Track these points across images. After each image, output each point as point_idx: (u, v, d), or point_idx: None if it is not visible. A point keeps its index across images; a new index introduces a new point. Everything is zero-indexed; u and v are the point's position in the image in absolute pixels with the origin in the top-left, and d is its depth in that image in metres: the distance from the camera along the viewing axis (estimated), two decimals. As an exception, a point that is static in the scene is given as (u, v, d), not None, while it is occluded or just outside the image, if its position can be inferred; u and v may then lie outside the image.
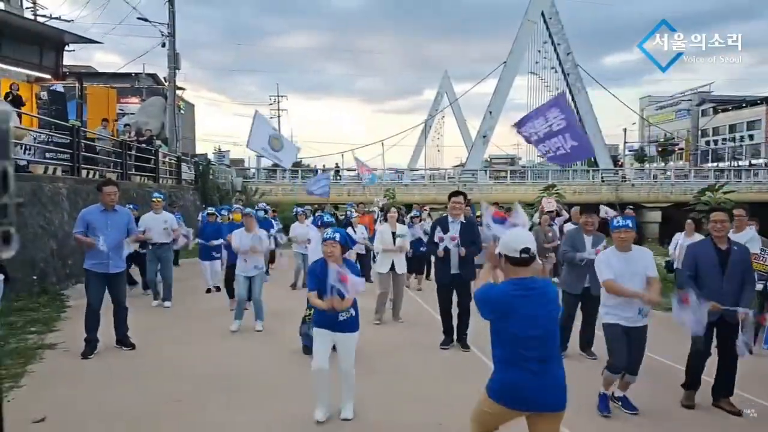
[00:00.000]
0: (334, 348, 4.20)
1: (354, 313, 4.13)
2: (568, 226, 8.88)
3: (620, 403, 4.42)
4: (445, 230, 6.23)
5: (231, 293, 8.01)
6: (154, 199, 8.62)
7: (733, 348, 4.30)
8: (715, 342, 4.43)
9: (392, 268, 7.54)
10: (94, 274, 5.75)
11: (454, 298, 6.36)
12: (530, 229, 10.63)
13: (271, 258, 11.19)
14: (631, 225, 4.30)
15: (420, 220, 10.74)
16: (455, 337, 6.38)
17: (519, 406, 2.71)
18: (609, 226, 4.48)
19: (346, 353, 4.18)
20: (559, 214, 11.04)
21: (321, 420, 4.06)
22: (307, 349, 5.63)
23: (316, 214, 10.31)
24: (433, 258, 9.39)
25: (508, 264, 2.81)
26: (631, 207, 13.28)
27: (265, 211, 11.82)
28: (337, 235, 4.05)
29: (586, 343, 6.07)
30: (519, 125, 8.02)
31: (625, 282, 4.19)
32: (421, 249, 9.72)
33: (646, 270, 4.25)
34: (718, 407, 4.43)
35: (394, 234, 7.64)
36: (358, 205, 12.18)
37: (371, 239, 9.68)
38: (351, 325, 4.14)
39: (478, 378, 5.06)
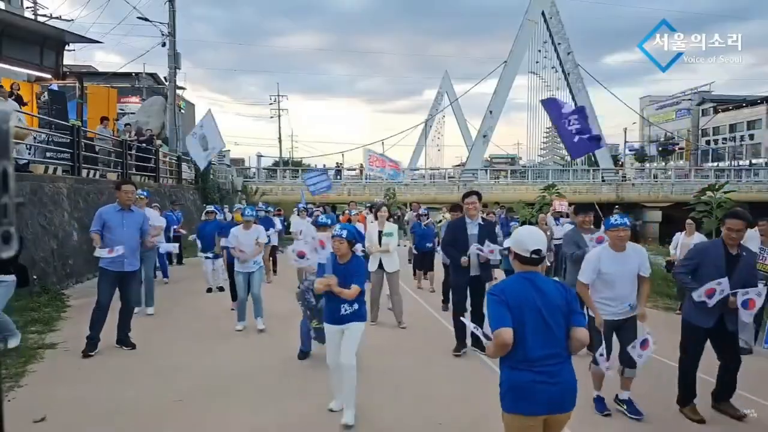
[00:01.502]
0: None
1: (357, 306, 4.17)
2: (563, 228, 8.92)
3: (626, 407, 4.29)
4: (463, 232, 5.92)
5: (235, 295, 7.68)
6: (137, 197, 8.33)
7: (736, 352, 4.27)
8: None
9: (380, 267, 7.19)
10: (109, 272, 5.81)
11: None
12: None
13: (272, 256, 11.18)
14: (628, 223, 4.28)
15: (427, 217, 10.72)
16: (468, 342, 5.92)
17: (535, 410, 2.57)
18: (604, 225, 4.48)
19: (348, 342, 4.15)
20: (562, 216, 11.08)
21: (334, 409, 4.27)
22: (302, 354, 5.70)
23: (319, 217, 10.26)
24: (436, 259, 9.36)
25: (516, 261, 2.78)
26: (617, 207, 13.08)
27: (266, 211, 11.86)
28: (345, 232, 4.12)
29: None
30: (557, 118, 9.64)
31: (617, 281, 4.18)
32: (428, 245, 9.65)
33: (640, 269, 4.24)
34: (719, 411, 4.33)
35: (380, 233, 7.27)
36: (349, 204, 12.07)
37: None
38: (355, 316, 4.19)
39: (478, 379, 5.08)
